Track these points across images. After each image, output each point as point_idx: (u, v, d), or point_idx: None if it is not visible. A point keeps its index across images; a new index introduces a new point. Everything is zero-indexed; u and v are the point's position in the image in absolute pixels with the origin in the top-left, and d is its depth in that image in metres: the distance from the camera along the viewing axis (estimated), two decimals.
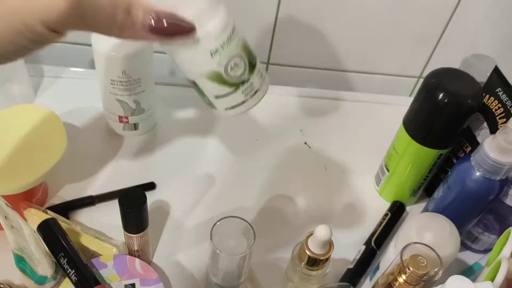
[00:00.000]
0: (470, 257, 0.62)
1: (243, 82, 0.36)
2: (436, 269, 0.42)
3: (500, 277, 0.38)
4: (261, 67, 0.39)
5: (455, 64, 0.62)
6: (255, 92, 0.38)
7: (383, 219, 0.63)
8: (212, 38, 0.34)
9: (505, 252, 0.42)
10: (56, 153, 0.53)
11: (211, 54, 0.34)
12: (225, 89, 0.36)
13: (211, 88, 0.37)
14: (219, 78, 0.36)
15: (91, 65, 0.63)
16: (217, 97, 0.37)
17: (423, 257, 0.43)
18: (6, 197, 0.49)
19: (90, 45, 0.57)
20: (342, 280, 0.56)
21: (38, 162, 0.52)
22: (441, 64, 0.57)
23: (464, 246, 0.62)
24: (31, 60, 0.69)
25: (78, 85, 0.71)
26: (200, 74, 0.36)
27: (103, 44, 0.56)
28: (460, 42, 0.78)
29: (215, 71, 0.35)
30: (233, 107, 0.38)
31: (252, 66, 0.37)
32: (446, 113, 0.53)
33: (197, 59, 0.35)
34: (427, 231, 0.48)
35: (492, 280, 0.40)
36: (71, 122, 0.66)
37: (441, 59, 0.81)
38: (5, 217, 0.45)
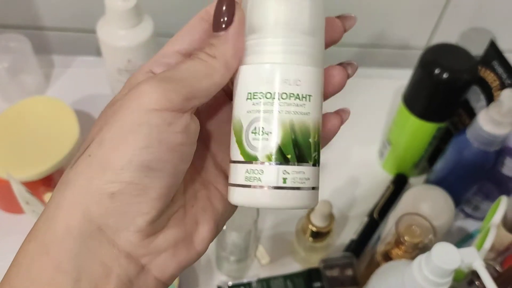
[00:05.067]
0: (472, 225, 0.64)
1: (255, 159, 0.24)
2: (429, 237, 0.45)
3: (488, 243, 0.41)
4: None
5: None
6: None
7: (386, 191, 0.65)
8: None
9: (495, 219, 0.44)
10: (70, 141, 0.57)
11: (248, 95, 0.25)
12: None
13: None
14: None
15: (100, 53, 0.65)
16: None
17: (417, 226, 0.45)
18: (26, 184, 0.52)
19: (95, 33, 0.59)
20: (346, 250, 0.59)
21: (53, 149, 0.56)
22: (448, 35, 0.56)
23: (466, 214, 0.64)
24: (41, 52, 0.72)
25: (88, 74, 0.73)
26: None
27: (107, 34, 0.58)
28: (466, 11, 0.77)
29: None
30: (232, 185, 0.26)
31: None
32: (441, 88, 0.55)
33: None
34: (423, 202, 0.50)
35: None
36: (83, 110, 0.69)
37: (447, 30, 0.80)
38: (27, 202, 0.48)
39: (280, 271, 0.57)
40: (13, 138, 0.57)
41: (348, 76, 0.27)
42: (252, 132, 0.24)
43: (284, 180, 0.24)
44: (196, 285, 0.57)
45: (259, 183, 0.24)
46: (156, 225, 0.23)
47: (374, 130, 0.71)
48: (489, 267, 0.44)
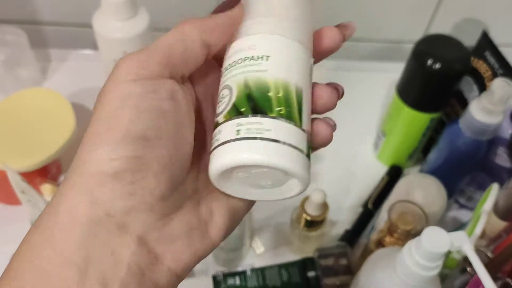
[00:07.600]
0: (465, 216, 0.65)
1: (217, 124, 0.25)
2: (422, 225, 0.45)
3: (478, 229, 0.41)
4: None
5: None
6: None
7: (380, 182, 0.66)
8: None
9: (486, 206, 0.44)
10: (66, 132, 0.57)
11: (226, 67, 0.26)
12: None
13: None
14: None
15: (96, 46, 0.65)
16: None
17: (410, 213, 0.46)
18: (22, 175, 0.52)
19: (91, 27, 0.60)
20: (340, 240, 0.60)
21: (50, 141, 0.56)
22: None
23: (459, 205, 0.65)
24: (38, 45, 0.72)
25: (84, 67, 0.74)
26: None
27: (103, 26, 0.59)
28: (461, 6, 0.78)
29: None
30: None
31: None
32: (434, 78, 0.55)
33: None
34: (416, 190, 0.51)
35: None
36: (80, 102, 0.69)
37: (442, 24, 0.80)
38: (22, 191, 0.49)
39: (275, 260, 0.58)
40: (10, 129, 0.57)
41: (344, 38, 0.26)
42: (218, 101, 0.25)
43: (238, 132, 0.23)
44: (191, 275, 0.57)
45: (217, 142, 0.23)
46: (169, 204, 0.23)
47: (369, 122, 0.72)
48: (481, 254, 0.44)
